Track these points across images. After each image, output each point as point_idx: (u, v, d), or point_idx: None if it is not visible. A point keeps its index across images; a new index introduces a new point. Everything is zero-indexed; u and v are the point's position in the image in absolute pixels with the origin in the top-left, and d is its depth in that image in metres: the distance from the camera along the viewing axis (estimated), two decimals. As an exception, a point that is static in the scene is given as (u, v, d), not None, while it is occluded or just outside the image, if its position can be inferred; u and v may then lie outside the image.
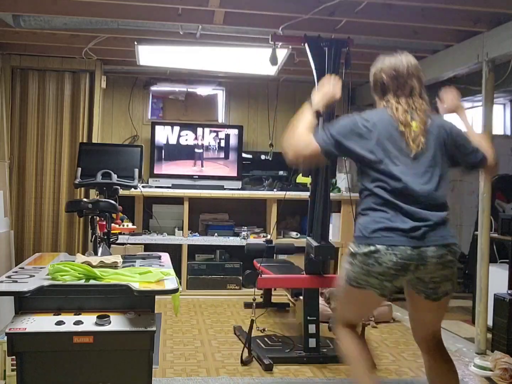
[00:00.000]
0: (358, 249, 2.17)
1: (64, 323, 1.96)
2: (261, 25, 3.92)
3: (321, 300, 4.23)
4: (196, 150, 5.69)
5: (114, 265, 2.31)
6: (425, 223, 2.13)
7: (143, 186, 5.18)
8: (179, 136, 5.67)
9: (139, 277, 2.15)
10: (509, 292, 3.75)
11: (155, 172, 5.57)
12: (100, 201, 3.45)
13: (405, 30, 4.06)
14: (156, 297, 2.14)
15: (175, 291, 2.06)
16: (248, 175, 5.79)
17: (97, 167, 3.88)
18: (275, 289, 4.88)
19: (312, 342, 3.46)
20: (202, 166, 5.68)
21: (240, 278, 5.39)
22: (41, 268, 2.34)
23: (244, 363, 3.38)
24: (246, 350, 3.44)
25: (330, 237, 4.31)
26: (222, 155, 5.71)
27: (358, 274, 2.18)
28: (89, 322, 1.98)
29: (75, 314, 2.03)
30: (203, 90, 5.97)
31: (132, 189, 4.29)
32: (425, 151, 2.19)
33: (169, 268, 2.37)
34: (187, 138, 5.68)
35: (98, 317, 1.99)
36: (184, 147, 5.68)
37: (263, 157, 5.81)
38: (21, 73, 5.18)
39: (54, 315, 2.02)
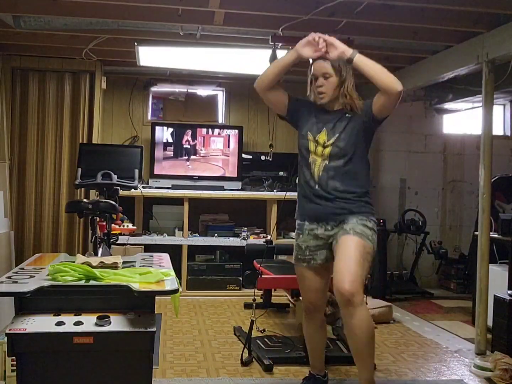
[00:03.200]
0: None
1: (64, 323, 1.96)
2: (261, 26, 3.92)
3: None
4: (196, 150, 5.69)
5: (114, 266, 2.31)
6: None
7: (143, 187, 5.18)
8: (179, 136, 5.67)
9: (139, 277, 2.15)
10: (509, 292, 3.75)
11: (155, 172, 5.57)
12: (100, 202, 3.45)
13: (405, 30, 4.06)
14: (156, 297, 2.14)
15: (175, 291, 2.06)
16: (248, 176, 5.79)
17: (97, 167, 3.89)
18: (275, 290, 4.87)
19: (312, 343, 3.46)
20: (202, 166, 5.68)
21: (240, 278, 5.39)
22: (41, 268, 2.33)
23: (244, 363, 3.38)
24: (246, 350, 3.44)
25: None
26: (222, 155, 5.72)
27: None
28: (89, 322, 1.98)
29: (75, 315, 2.03)
30: (203, 91, 5.98)
31: (132, 190, 4.29)
32: None
33: (169, 269, 2.36)
34: (187, 138, 5.69)
35: (98, 317, 1.99)
36: (184, 147, 5.68)
37: (263, 157, 5.80)
38: (21, 73, 5.18)
39: (54, 315, 2.02)
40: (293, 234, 5.55)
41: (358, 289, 2.50)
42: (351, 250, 2.56)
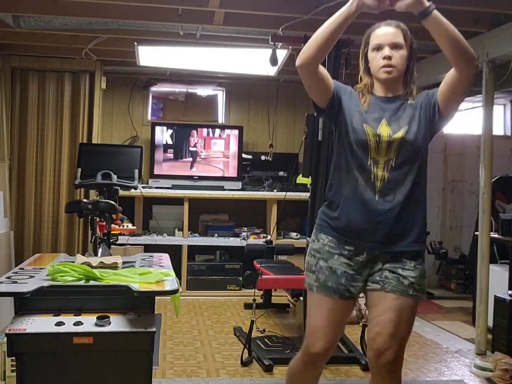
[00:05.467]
0: None
1: (64, 324, 1.95)
2: (261, 26, 3.92)
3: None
4: (196, 150, 5.69)
5: (114, 266, 2.31)
6: None
7: (143, 187, 5.18)
8: (179, 136, 5.67)
9: (139, 277, 2.15)
10: (509, 293, 3.75)
11: (155, 172, 5.56)
12: (100, 202, 3.45)
13: (405, 30, 4.05)
14: (156, 298, 2.14)
15: (175, 292, 2.06)
16: (248, 176, 5.79)
17: (97, 167, 3.89)
18: (275, 290, 4.87)
19: (312, 343, 3.45)
20: (201, 166, 5.68)
21: (240, 279, 5.39)
22: (41, 269, 2.33)
23: (244, 364, 3.38)
24: (246, 351, 3.44)
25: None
26: (222, 155, 5.71)
27: None
28: (89, 323, 1.97)
29: (75, 315, 2.03)
30: (203, 91, 5.97)
31: (132, 190, 4.29)
32: None
33: (169, 269, 2.36)
34: (187, 138, 5.68)
35: (98, 317, 1.98)
36: (184, 147, 5.67)
37: (263, 157, 5.80)
38: (21, 73, 5.18)
39: (54, 315, 2.01)
40: (293, 234, 5.56)
41: (402, 358, 2.04)
42: (406, 312, 2.01)
